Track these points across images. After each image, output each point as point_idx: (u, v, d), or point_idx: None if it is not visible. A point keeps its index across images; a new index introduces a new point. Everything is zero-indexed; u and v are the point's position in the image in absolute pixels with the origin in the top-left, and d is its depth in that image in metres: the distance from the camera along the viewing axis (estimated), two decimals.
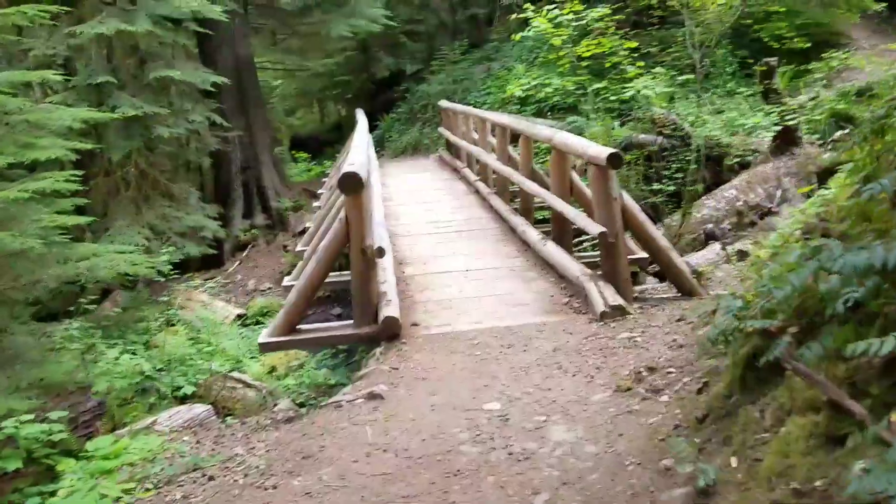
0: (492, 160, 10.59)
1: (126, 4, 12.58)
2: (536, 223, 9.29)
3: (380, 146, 21.41)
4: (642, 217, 6.09)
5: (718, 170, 11.76)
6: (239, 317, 12.86)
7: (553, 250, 7.10)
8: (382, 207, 9.19)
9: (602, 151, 5.75)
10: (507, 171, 9.60)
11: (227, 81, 13.65)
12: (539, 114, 16.15)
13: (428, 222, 9.85)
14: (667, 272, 6.16)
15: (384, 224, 8.11)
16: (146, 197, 12.89)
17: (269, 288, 14.70)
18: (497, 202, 10.00)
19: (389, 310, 5.64)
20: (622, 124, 14.22)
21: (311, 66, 19.08)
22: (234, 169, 15.80)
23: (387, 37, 22.95)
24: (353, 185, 5.41)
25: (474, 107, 16.98)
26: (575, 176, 7.52)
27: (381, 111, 22.64)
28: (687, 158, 9.99)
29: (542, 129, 8.04)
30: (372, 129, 22.67)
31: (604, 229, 5.77)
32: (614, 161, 5.65)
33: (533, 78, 10.85)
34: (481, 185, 11.49)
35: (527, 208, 9.01)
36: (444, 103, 16.15)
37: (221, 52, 15.44)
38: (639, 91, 8.53)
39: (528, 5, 9.74)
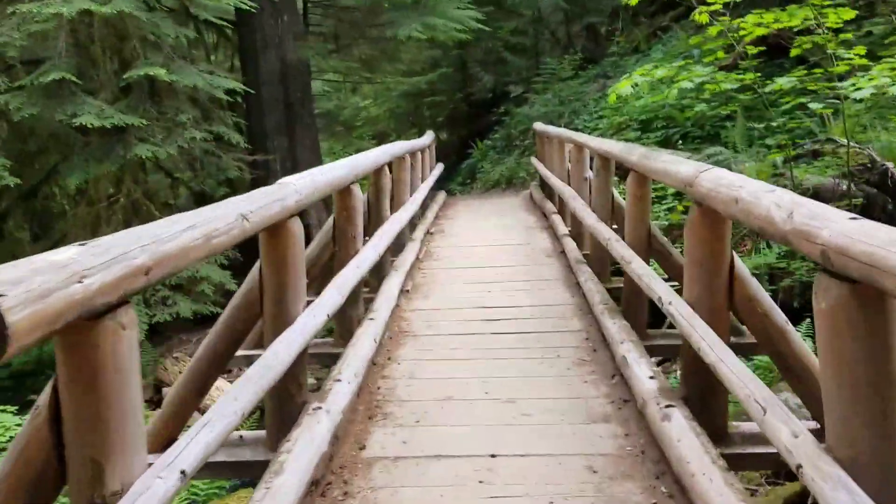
0: (585, 212, 6.46)
1: None
2: (651, 319, 5.22)
3: (471, 178, 17.64)
4: None
5: None
6: None
7: (691, 451, 2.93)
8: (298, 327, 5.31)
9: None
10: (603, 233, 5.47)
11: (248, 90, 10.17)
12: (665, 143, 11.85)
13: (474, 308, 5.83)
14: None
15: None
16: None
17: None
18: (589, 281, 5.86)
19: None
20: (787, 160, 9.76)
21: (391, 81, 15.42)
22: None
23: (488, 52, 19.23)
24: None
25: (584, 133, 12.88)
26: (742, 267, 3.34)
27: (477, 137, 18.86)
28: None
29: (671, 163, 3.90)
30: (466, 157, 18.98)
31: None
32: None
33: (660, 67, 6.67)
34: (570, 245, 7.36)
35: (633, 305, 4.87)
36: (539, 126, 12.12)
37: (265, 56, 12.05)
38: (882, 89, 4.27)
39: None
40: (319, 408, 3.32)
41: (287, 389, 3.32)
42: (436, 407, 3.93)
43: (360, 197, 4.86)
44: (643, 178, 4.73)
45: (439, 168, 11.93)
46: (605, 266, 6.29)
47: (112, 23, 9.01)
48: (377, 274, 6.40)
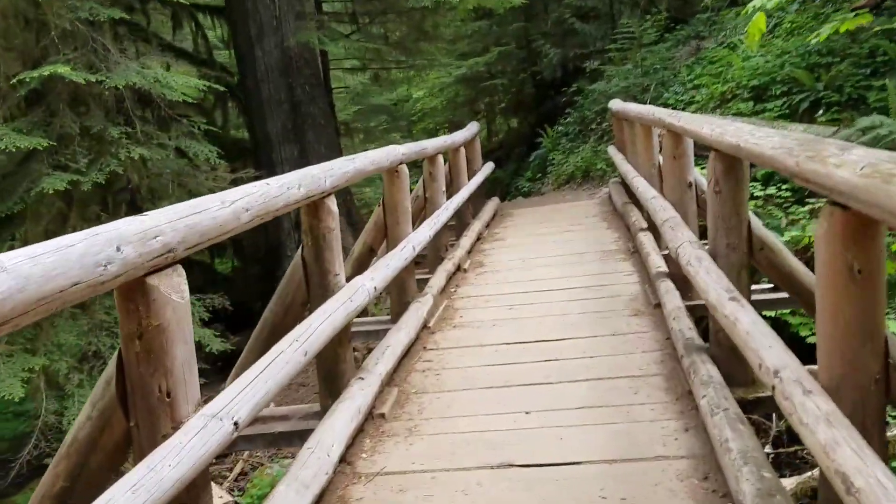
0: (701, 266, 3.31)
1: None
2: None
3: (542, 172, 14.59)
4: None
5: None
6: None
7: None
8: None
9: None
10: (772, 362, 2.38)
11: (217, 86, 7.51)
12: (791, 115, 8.50)
13: (486, 471, 2.92)
14: None
15: None
16: None
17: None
18: (720, 413, 2.80)
19: None
20: None
21: (429, 63, 12.32)
22: (287, 226, 9.67)
23: (555, 23, 16.04)
24: None
25: (674, 109, 9.61)
26: None
27: (547, 123, 15.75)
28: None
29: None
30: (534, 147, 15.92)
31: None
32: None
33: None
34: (671, 301, 4.28)
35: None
36: (615, 104, 8.97)
37: (262, 45, 9.38)
38: None
39: None
40: None
41: None
42: None
43: (168, 302, 2.03)
44: (871, 227, 1.69)
45: (486, 170, 8.97)
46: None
47: (19, 9, 6.51)
48: (331, 388, 3.59)
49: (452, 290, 5.79)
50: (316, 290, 3.50)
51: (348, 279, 4.51)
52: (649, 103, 10.74)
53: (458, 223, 7.71)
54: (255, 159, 9.70)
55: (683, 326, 3.78)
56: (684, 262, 3.40)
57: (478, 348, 4.41)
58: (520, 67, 16.99)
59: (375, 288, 3.72)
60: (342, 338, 3.53)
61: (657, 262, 5.19)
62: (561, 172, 13.28)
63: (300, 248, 3.57)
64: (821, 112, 7.61)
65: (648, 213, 5.62)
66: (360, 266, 5.05)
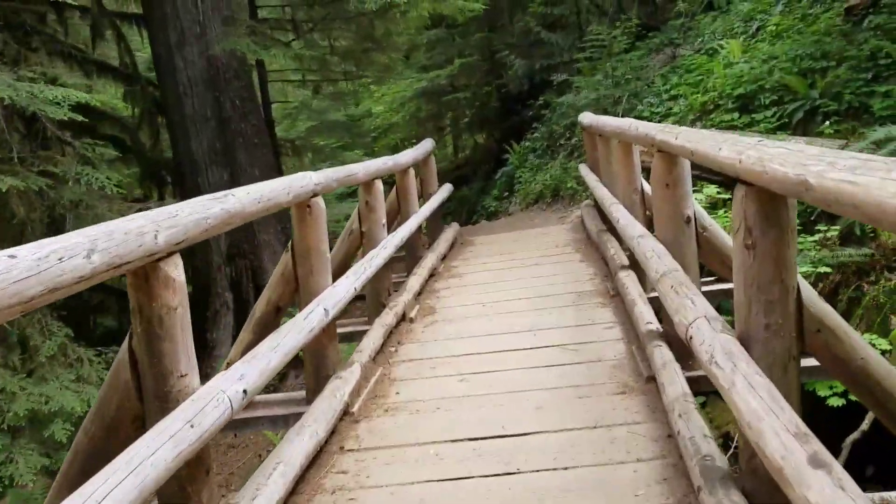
0: (739, 385, 2.13)
1: None
2: None
3: (509, 191, 13.52)
4: None
5: None
6: None
7: None
8: None
9: None
10: None
11: (114, 102, 6.28)
12: (784, 126, 7.45)
13: None
14: None
15: None
16: None
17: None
18: None
19: None
20: None
21: (375, 74, 11.04)
22: (217, 259, 8.41)
23: (521, 33, 15.03)
24: None
25: (649, 122, 8.51)
26: None
27: (515, 138, 14.71)
28: None
29: None
30: (501, 164, 14.86)
31: None
32: None
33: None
34: (672, 380, 3.14)
35: None
36: (586, 118, 7.86)
37: (183, 54, 8.14)
38: None
39: None
40: None
41: None
42: None
43: None
44: None
45: (442, 193, 7.78)
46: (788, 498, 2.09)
47: None
48: None
49: (392, 348, 4.61)
50: (151, 401, 2.29)
51: (246, 350, 3.34)
52: (622, 116, 9.68)
53: (409, 256, 6.55)
54: (179, 184, 8.47)
55: (696, 432, 2.63)
56: (705, 358, 2.23)
57: (414, 449, 3.21)
58: (484, 80, 15.91)
59: (246, 392, 2.50)
60: (193, 472, 2.32)
61: (646, 317, 4.06)
62: (529, 191, 12.20)
63: (128, 335, 2.36)
64: (826, 123, 6.56)
65: (633, 254, 4.48)
66: (263, 330, 3.84)
